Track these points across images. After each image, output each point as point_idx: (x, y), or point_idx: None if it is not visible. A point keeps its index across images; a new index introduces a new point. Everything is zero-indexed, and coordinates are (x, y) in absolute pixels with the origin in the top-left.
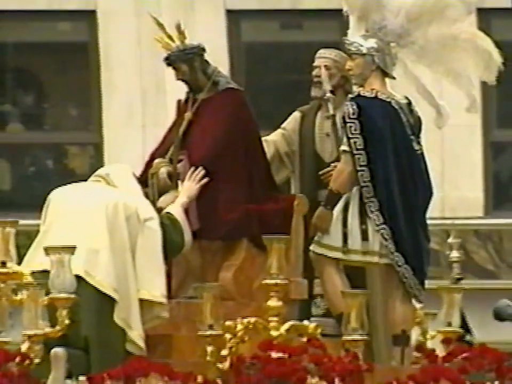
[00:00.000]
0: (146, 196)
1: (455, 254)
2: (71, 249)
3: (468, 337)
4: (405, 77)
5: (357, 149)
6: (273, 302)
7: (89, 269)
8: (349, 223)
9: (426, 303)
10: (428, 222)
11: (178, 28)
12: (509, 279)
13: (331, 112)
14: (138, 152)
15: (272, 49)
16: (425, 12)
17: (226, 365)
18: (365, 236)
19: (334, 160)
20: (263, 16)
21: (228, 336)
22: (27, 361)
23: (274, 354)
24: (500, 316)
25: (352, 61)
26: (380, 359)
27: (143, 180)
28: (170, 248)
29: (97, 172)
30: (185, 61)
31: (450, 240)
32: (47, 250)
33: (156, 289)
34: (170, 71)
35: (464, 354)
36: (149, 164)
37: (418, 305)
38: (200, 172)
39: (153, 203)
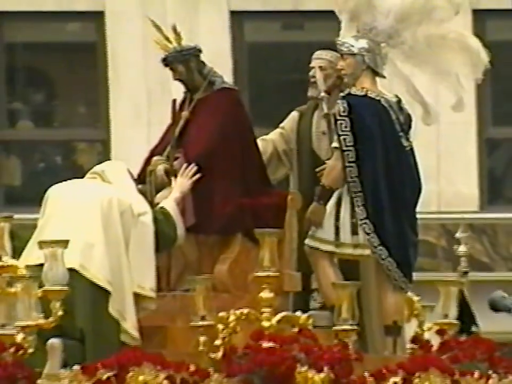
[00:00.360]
0: (143, 192)
1: (462, 248)
2: (64, 243)
3: (473, 329)
4: (395, 76)
5: (347, 146)
6: (265, 294)
7: (85, 262)
8: (341, 217)
9: (426, 295)
10: (425, 216)
11: (174, 29)
12: (503, 271)
13: (325, 111)
14: (144, 149)
15: (274, 49)
16: (414, 13)
17: (219, 354)
18: (355, 230)
19: (330, 158)
20: (265, 17)
21: (220, 326)
22: (21, 351)
23: (265, 344)
24: (494, 307)
25: (344, 61)
26: (375, 349)
27: (142, 177)
28: (163, 241)
29: (93, 169)
30: (182, 61)
31: (458, 234)
32: (41, 244)
33: (145, 282)
34: None
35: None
36: (148, 161)
37: (416, 298)
38: (193, 168)
39: (151, 199)
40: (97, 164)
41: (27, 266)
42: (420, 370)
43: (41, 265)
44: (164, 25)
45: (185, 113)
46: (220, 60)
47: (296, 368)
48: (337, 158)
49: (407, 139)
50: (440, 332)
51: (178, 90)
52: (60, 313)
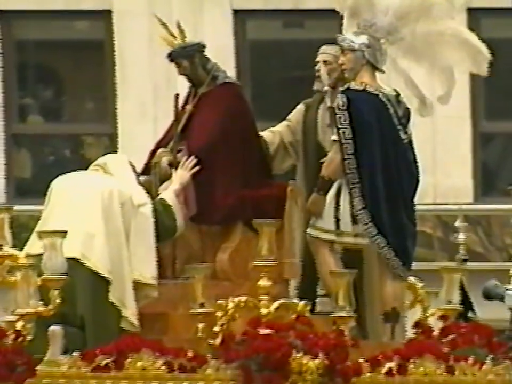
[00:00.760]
0: (147, 183)
1: (461, 237)
2: (63, 234)
3: (469, 315)
4: (393, 70)
5: (346, 139)
6: (263, 282)
7: (86, 252)
8: (341, 207)
9: (430, 282)
10: (421, 208)
11: (178, 26)
12: (497, 261)
13: (328, 104)
14: (149, 143)
15: (275, 46)
16: (412, 10)
17: (217, 341)
18: (354, 220)
19: None
20: (267, 15)
21: (219, 314)
22: (20, 338)
23: (262, 331)
24: (488, 295)
25: (344, 56)
26: (377, 337)
27: (147, 169)
28: (163, 232)
29: (96, 162)
30: (186, 57)
31: (457, 223)
32: (40, 234)
33: (146, 271)
34: None
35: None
36: (153, 154)
37: (420, 284)
38: (192, 161)
39: (156, 190)
40: None
41: (30, 256)
42: (415, 356)
43: (42, 254)
44: (170, 23)
45: (189, 107)
46: (223, 57)
47: (291, 354)
48: (336, 150)
49: (405, 132)
50: (443, 318)
51: (183, 86)
52: (58, 301)
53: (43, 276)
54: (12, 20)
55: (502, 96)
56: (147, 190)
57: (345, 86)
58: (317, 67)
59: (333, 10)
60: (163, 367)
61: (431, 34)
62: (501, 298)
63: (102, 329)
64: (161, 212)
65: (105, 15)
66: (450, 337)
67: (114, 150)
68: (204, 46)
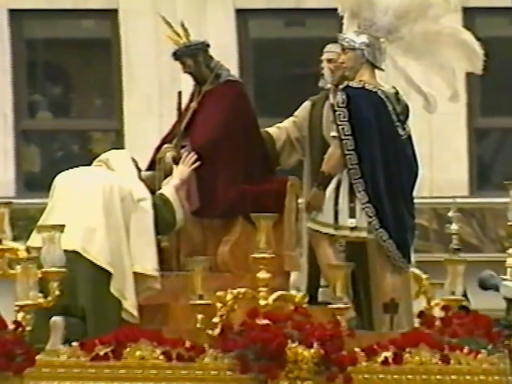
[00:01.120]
0: (151, 178)
1: (454, 227)
2: (61, 228)
3: (464, 303)
4: (394, 69)
5: (345, 135)
6: (262, 274)
7: (86, 245)
8: (340, 201)
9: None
10: (418, 201)
11: (182, 25)
12: (491, 253)
13: (331, 101)
14: (155, 139)
15: (277, 45)
16: (411, 10)
17: (216, 331)
18: (352, 214)
19: None
20: (269, 14)
21: (218, 305)
22: (20, 329)
23: (259, 322)
24: (483, 285)
25: (345, 55)
26: (379, 326)
27: (153, 164)
28: (163, 226)
29: (99, 157)
30: (190, 55)
31: (450, 214)
32: (39, 228)
33: (148, 263)
34: None
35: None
36: (158, 150)
37: (424, 275)
38: (193, 156)
39: (159, 185)
40: None
41: (33, 248)
42: (410, 346)
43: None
44: (174, 22)
45: (193, 104)
46: (226, 55)
47: (287, 344)
48: (335, 146)
49: (404, 128)
50: (445, 308)
51: (188, 84)
52: (57, 293)
53: (43, 269)
54: (22, 19)
55: (496, 93)
56: (151, 185)
57: (345, 84)
58: (322, 65)
59: (334, 9)
60: (161, 357)
61: (429, 34)
62: (496, 288)
63: (103, 320)
64: (161, 206)
65: (112, 14)
66: (451, 327)
67: (121, 145)
68: (207, 45)
